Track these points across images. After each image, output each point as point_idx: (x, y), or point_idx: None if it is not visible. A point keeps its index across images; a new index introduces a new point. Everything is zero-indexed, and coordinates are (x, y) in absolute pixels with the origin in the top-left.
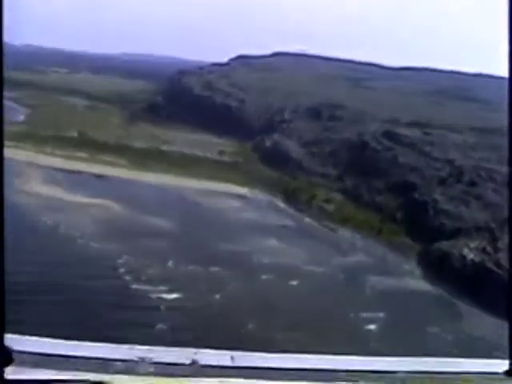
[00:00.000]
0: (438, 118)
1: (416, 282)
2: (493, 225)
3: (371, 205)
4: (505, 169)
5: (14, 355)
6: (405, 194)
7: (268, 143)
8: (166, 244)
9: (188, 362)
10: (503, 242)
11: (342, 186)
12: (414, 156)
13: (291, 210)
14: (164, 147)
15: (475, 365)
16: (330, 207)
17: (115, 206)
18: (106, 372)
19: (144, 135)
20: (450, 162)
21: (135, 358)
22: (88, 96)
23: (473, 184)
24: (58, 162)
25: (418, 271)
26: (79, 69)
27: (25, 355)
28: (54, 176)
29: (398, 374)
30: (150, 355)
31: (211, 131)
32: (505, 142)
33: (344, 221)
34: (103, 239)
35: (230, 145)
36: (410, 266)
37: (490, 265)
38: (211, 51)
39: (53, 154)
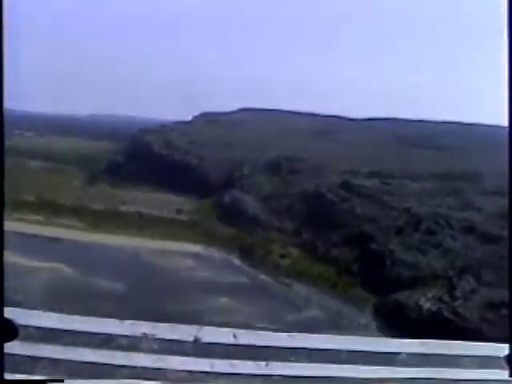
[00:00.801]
0: (398, 166)
1: (371, 335)
2: (451, 273)
3: (327, 258)
4: (463, 214)
5: (19, 329)
6: (361, 245)
7: (226, 199)
8: (114, 306)
9: (191, 339)
10: (461, 290)
11: (298, 240)
12: (371, 206)
13: (246, 267)
14: (122, 208)
15: (477, 348)
16: (286, 262)
17: (66, 270)
18: (109, 347)
19: (102, 196)
20: (407, 210)
21: (138, 334)
22: (50, 158)
23: (430, 232)
24: (12, 225)
25: (373, 324)
26: (44, 132)
27: (30, 329)
28: (8, 240)
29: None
30: (154, 331)
31: (171, 190)
32: (464, 186)
33: (299, 275)
34: (49, 303)
35: (188, 203)
36: (366, 319)
37: (446, 314)
38: (178, 110)
39: (9, 218)
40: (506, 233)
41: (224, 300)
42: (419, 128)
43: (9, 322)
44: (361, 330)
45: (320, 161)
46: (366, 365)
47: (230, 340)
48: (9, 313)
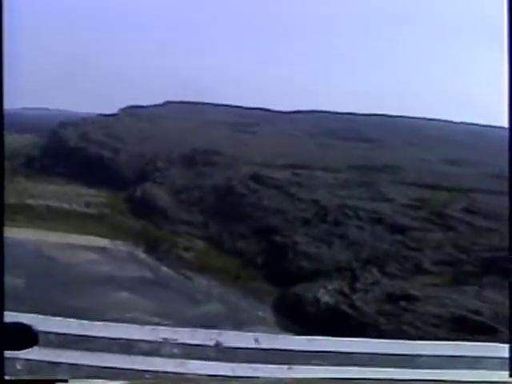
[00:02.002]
0: (316, 159)
1: (268, 328)
2: (355, 264)
3: (232, 251)
4: (373, 205)
5: (40, 336)
6: (266, 237)
7: (138, 193)
8: (9, 301)
9: (212, 343)
10: (362, 282)
11: (205, 232)
12: (279, 198)
13: (150, 261)
14: (30, 201)
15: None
16: (189, 255)
17: None
18: (130, 352)
19: (13, 189)
20: (315, 202)
21: (159, 339)
22: None
23: (337, 223)
24: None
25: (271, 317)
26: None
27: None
28: None
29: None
30: (174, 336)
31: (83, 183)
32: (380, 178)
33: (202, 269)
34: None
35: (100, 196)
36: (264, 312)
37: (343, 307)
38: (106, 103)
39: None
40: (414, 223)
41: (123, 294)
42: (348, 121)
43: (29, 328)
44: (258, 324)
45: (236, 154)
46: (385, 367)
47: (252, 344)
48: (29, 319)
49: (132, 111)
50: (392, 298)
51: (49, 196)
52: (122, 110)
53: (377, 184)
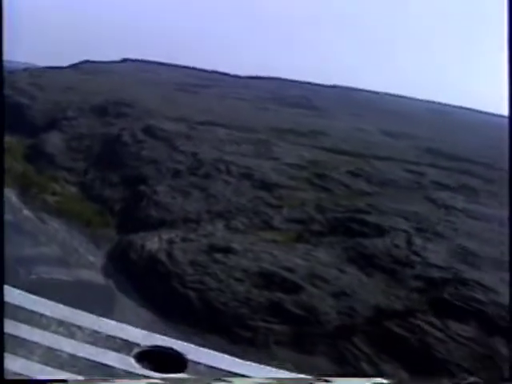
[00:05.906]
0: (234, 118)
1: (89, 273)
2: (205, 217)
3: (98, 198)
4: (251, 161)
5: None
6: (133, 186)
7: (38, 140)
8: None
9: None
10: (198, 233)
11: (81, 179)
12: (161, 149)
13: (18, 204)
14: None
15: None
16: (54, 199)
17: None
18: None
19: None
20: (194, 154)
21: None
22: None
23: (206, 176)
24: None
25: (100, 262)
26: None
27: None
28: None
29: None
30: None
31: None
32: (287, 139)
33: (60, 213)
34: None
35: (8, 142)
36: (96, 258)
37: (160, 255)
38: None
39: None
40: (287, 182)
41: None
42: (306, 90)
43: (180, 356)
44: (83, 268)
45: (153, 108)
46: None
47: None
48: (179, 347)
49: (81, 65)
50: (212, 249)
51: None
52: (74, 63)
53: (272, 144)
